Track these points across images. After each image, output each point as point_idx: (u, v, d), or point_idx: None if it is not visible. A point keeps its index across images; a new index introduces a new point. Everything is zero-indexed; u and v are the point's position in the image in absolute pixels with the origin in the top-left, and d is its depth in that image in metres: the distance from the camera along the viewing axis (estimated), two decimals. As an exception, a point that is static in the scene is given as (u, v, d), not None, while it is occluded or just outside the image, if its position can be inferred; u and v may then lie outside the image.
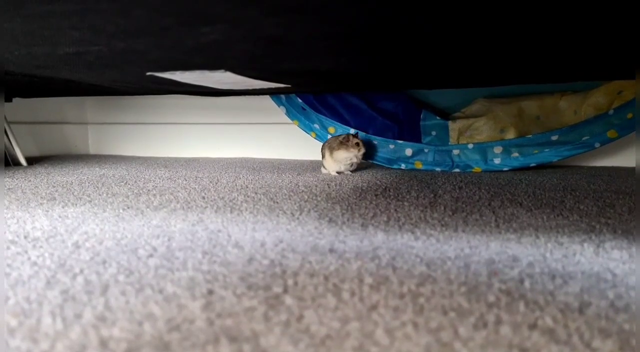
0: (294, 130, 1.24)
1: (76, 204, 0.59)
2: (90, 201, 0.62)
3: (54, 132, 1.52)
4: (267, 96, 1.19)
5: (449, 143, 1.04)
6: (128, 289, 0.29)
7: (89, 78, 0.65)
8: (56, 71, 0.58)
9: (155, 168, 1.06)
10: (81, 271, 0.33)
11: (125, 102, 1.55)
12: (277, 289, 0.29)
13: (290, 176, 0.89)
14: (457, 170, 1.01)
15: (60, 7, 0.33)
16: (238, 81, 0.65)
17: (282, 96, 1.14)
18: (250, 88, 0.75)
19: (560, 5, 0.34)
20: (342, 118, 1.10)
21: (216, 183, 0.80)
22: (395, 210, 0.56)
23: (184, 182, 0.81)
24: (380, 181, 0.82)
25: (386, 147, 1.06)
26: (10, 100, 1.27)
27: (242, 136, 1.41)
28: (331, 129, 1.10)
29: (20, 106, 1.37)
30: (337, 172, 0.92)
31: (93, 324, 0.24)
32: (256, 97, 1.28)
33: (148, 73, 0.57)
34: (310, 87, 0.79)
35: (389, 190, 0.72)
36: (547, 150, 0.97)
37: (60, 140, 1.54)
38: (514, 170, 0.99)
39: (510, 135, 1.01)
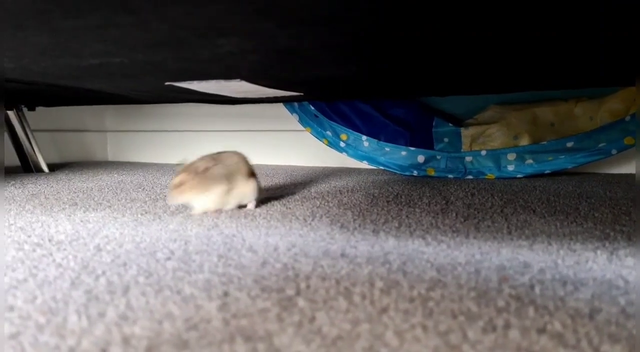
0: (306, 137, 1.25)
1: (97, 209, 0.61)
2: (110, 206, 0.63)
3: (75, 139, 1.56)
4: (281, 104, 1.21)
5: (462, 150, 1.04)
6: (148, 290, 0.31)
7: (111, 87, 0.68)
8: (80, 81, 0.60)
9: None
10: (103, 273, 0.34)
11: (142, 110, 1.58)
12: (290, 292, 0.30)
13: (302, 183, 0.90)
14: (469, 177, 1.01)
15: (85, 21, 0.35)
16: (253, 90, 0.66)
17: (295, 104, 1.16)
18: (265, 96, 0.77)
19: (569, 13, 0.35)
20: (354, 125, 1.11)
21: (231, 189, 0.81)
22: (407, 216, 0.57)
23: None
24: (391, 188, 0.83)
25: (398, 154, 1.06)
26: (34, 109, 1.31)
27: (255, 143, 1.42)
28: (343, 136, 1.11)
29: (43, 115, 1.41)
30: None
31: (116, 322, 0.25)
32: (269, 104, 1.30)
33: (167, 83, 0.59)
34: (323, 95, 0.81)
35: (401, 196, 0.73)
36: (562, 157, 0.97)
37: (80, 148, 1.58)
38: (528, 177, 0.98)
39: (524, 141, 1.01)
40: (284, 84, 0.63)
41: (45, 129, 1.45)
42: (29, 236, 0.46)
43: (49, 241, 0.44)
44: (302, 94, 0.73)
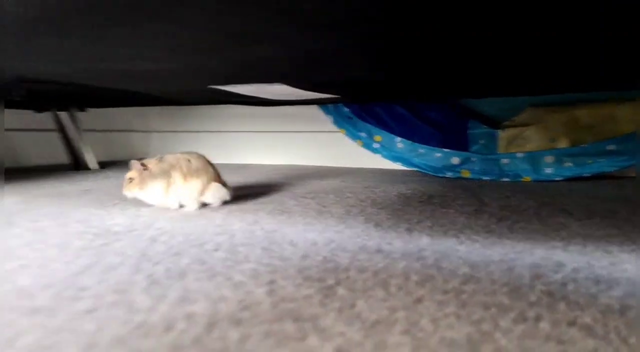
0: (339, 138, 1.28)
1: (147, 205, 0.65)
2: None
3: (122, 139, 1.64)
4: (315, 106, 1.24)
5: (498, 152, 1.04)
6: (201, 276, 0.34)
7: (160, 90, 0.72)
8: (132, 84, 0.65)
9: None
10: (160, 261, 0.38)
11: (183, 111, 1.65)
12: (331, 281, 0.33)
13: (337, 183, 0.92)
14: (506, 179, 1.00)
15: (138, 31, 0.39)
16: (291, 93, 0.69)
17: (330, 106, 1.18)
18: (302, 98, 0.80)
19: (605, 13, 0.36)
20: (388, 126, 1.12)
21: (267, 188, 0.84)
22: (440, 216, 0.58)
23: (236, 187, 0.86)
24: (425, 189, 0.84)
25: (431, 156, 1.07)
26: (84, 110, 1.39)
27: (290, 144, 1.46)
28: (377, 137, 1.13)
29: (93, 116, 1.50)
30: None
31: (177, 302, 0.28)
32: (305, 106, 1.33)
33: (209, 86, 0.63)
34: (359, 97, 0.83)
35: (434, 197, 0.74)
36: (602, 160, 0.95)
37: (126, 147, 1.66)
38: (567, 180, 0.97)
39: (562, 144, 1.00)
40: (321, 87, 0.66)
41: (96, 129, 1.54)
42: (88, 228, 0.51)
43: (107, 232, 0.48)
44: (338, 96, 0.76)
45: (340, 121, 1.17)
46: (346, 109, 1.15)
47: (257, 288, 0.31)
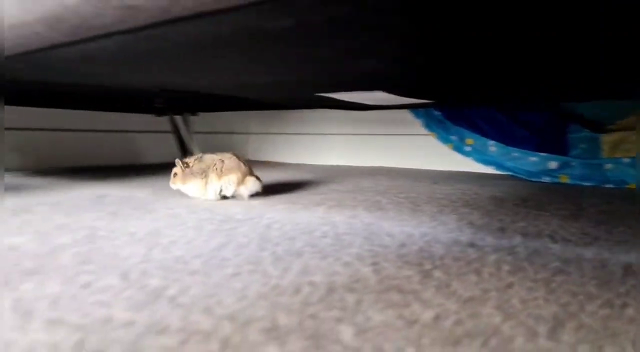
0: (429, 141, 1.29)
1: (254, 198, 0.74)
2: (264, 197, 0.76)
3: (224, 140, 1.81)
4: (406, 109, 1.27)
5: (601, 156, 0.99)
6: (315, 256, 0.40)
7: (269, 97, 0.81)
8: (252, 93, 0.74)
9: (303, 173, 1.21)
10: (279, 243, 0.45)
11: (279, 115, 1.77)
12: (428, 266, 0.37)
13: (427, 184, 0.95)
14: (609, 185, 0.96)
15: (266, 52, 0.46)
16: (389, 98, 0.74)
17: (420, 109, 1.21)
18: (397, 103, 0.84)
19: None
20: (481, 130, 1.12)
21: (360, 187, 0.90)
22: (534, 218, 0.59)
23: (331, 185, 0.93)
24: (519, 192, 0.84)
25: (526, 160, 1.05)
26: (197, 114, 1.56)
27: (380, 146, 1.50)
28: (469, 141, 1.13)
29: (201, 119, 1.67)
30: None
31: (299, 273, 0.35)
32: (395, 110, 1.36)
33: (316, 93, 0.70)
34: (454, 102, 0.85)
35: (528, 201, 0.74)
36: None
37: (227, 148, 1.83)
38: (679, 187, 0.90)
39: (676, 149, 0.93)
40: (418, 93, 0.70)
41: (203, 131, 1.71)
42: (214, 215, 0.60)
43: (231, 219, 0.57)
44: (433, 101, 0.79)
45: (431, 124, 1.19)
46: (437, 112, 1.17)
47: (364, 267, 0.37)
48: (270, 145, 1.82)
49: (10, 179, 1.00)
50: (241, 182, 0.72)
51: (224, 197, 0.73)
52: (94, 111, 1.40)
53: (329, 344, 0.23)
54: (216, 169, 0.73)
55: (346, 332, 0.25)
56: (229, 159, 0.74)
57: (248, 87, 0.68)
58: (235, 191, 0.73)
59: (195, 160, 0.74)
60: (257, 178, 0.75)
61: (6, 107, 1.21)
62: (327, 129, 1.64)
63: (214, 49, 0.43)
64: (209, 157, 0.75)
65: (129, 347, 0.23)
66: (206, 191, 0.73)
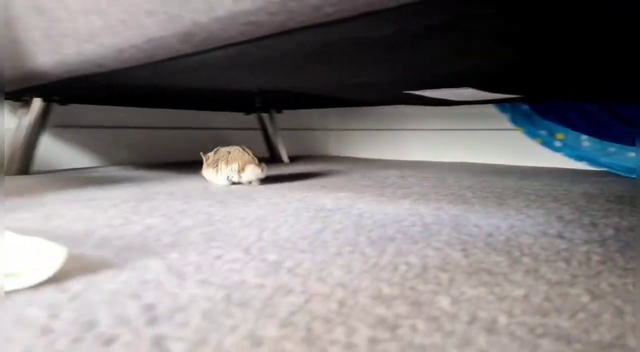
0: (515, 136, 1.26)
1: (342, 190, 0.79)
2: (351, 189, 0.81)
3: (305, 136, 1.89)
4: (491, 104, 1.25)
5: None
6: (407, 241, 0.44)
7: (360, 96, 0.86)
8: (349, 92, 0.80)
9: (386, 168, 1.24)
10: (372, 230, 0.49)
11: (358, 111, 1.81)
12: (516, 254, 0.40)
13: (513, 180, 0.94)
14: None
15: (359, 58, 0.51)
16: (477, 95, 0.75)
17: (507, 103, 1.18)
18: (484, 99, 0.85)
19: None
20: (572, 124, 1.08)
21: (443, 182, 0.92)
22: (629, 214, 0.58)
23: (415, 180, 0.96)
24: (613, 189, 0.81)
25: (624, 155, 1.00)
26: (281, 112, 1.65)
27: (462, 142, 1.49)
28: (559, 135, 1.09)
29: (285, 117, 1.77)
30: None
31: (395, 255, 0.39)
32: (479, 105, 1.35)
33: (405, 91, 0.73)
34: (545, 97, 0.84)
35: (624, 197, 0.72)
36: None
37: (309, 144, 1.91)
38: None
39: None
40: (507, 89, 0.70)
41: (286, 128, 1.81)
42: (308, 205, 0.66)
43: (323, 208, 0.63)
44: (522, 96, 0.79)
45: (518, 119, 1.17)
46: (525, 106, 1.14)
47: (453, 252, 0.40)
48: (350, 141, 1.87)
49: (124, 171, 1.15)
50: (242, 170, 0.85)
51: (233, 183, 0.87)
52: (188, 110, 1.55)
53: (429, 309, 0.27)
54: (225, 159, 0.87)
55: (443, 302, 0.28)
56: (234, 151, 0.87)
57: (344, 88, 0.73)
58: (240, 177, 0.85)
59: (213, 153, 0.90)
60: (258, 166, 0.86)
61: (115, 107, 1.39)
62: (406, 125, 1.65)
63: (320, 55, 0.48)
64: (222, 150, 0.89)
65: (265, 302, 0.29)
66: (218, 178, 0.87)
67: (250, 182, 0.86)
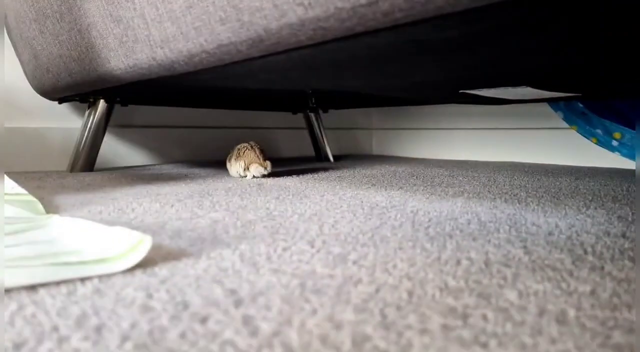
0: (569, 135, 1.23)
1: (392, 189, 0.80)
2: (401, 188, 0.82)
3: (348, 135, 1.91)
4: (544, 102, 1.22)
5: None
6: (465, 238, 0.45)
7: (414, 95, 0.87)
8: (403, 92, 0.81)
9: (432, 167, 1.24)
10: (429, 226, 0.50)
11: (401, 110, 1.81)
12: (579, 252, 0.40)
13: (568, 180, 0.92)
14: None
15: (420, 59, 0.52)
16: (533, 93, 0.74)
17: (561, 101, 1.15)
18: (539, 97, 0.83)
19: None
20: (631, 122, 1.04)
21: (494, 181, 0.91)
22: (698, 215, 0.56)
23: (464, 179, 0.95)
24: (679, 189, 0.77)
25: (690, 155, 0.95)
26: (326, 111, 1.67)
27: (513, 141, 1.46)
28: (616, 134, 1.06)
29: (329, 116, 1.79)
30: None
31: (455, 250, 0.40)
32: (532, 103, 1.31)
33: (460, 90, 0.73)
34: (605, 95, 0.81)
35: (692, 198, 0.69)
36: None
37: (352, 143, 1.92)
38: None
39: None
40: (567, 88, 0.69)
41: (331, 127, 1.83)
42: (362, 202, 0.68)
43: (377, 206, 0.64)
44: (580, 94, 0.77)
45: (572, 117, 1.14)
46: (580, 105, 1.11)
47: (514, 249, 0.41)
48: (393, 140, 1.87)
49: (179, 169, 1.21)
50: (247, 168, 0.97)
51: (241, 176, 0.99)
52: (236, 110, 1.60)
53: (497, 301, 0.28)
54: (236, 156, 0.99)
55: (511, 295, 0.29)
56: (242, 149, 0.99)
57: (401, 88, 0.75)
58: (245, 173, 0.98)
59: (234, 149, 1.02)
60: (262, 165, 0.97)
61: (168, 108, 1.45)
62: (452, 124, 1.63)
63: (381, 57, 0.50)
64: (236, 147, 1.01)
65: (337, 290, 0.31)
66: (231, 171, 1.01)
67: (254, 177, 0.99)
